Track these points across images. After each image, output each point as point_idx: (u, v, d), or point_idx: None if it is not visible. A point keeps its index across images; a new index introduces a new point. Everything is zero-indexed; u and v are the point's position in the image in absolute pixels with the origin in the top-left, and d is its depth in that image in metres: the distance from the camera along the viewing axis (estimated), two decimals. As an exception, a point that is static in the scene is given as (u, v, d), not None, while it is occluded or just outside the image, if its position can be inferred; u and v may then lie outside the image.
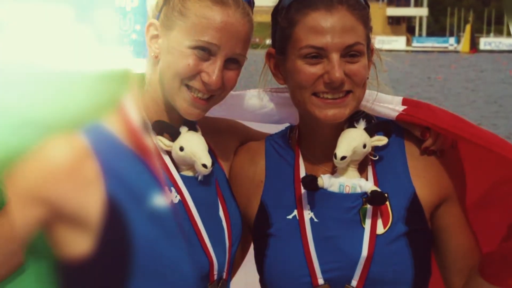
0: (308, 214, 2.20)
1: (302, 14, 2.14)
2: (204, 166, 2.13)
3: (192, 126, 2.19)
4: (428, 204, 2.23)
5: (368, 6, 2.21)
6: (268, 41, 2.31)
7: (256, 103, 2.39)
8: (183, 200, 2.12)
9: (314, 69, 2.13)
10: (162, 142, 2.16)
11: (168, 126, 2.16)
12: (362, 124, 2.21)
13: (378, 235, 2.16)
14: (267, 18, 2.28)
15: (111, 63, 2.18)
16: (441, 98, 22.19)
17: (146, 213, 2.02)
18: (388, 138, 2.23)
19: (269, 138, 2.38)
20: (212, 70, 2.06)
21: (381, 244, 2.15)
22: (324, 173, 2.22)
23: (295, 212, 2.22)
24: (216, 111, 2.27)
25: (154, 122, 2.16)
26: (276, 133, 2.39)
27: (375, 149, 2.23)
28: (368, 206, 2.17)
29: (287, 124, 2.40)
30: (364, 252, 2.13)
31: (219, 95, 2.13)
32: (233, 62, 2.11)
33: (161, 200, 2.05)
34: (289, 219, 2.22)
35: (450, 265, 2.30)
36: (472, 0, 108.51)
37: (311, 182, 2.18)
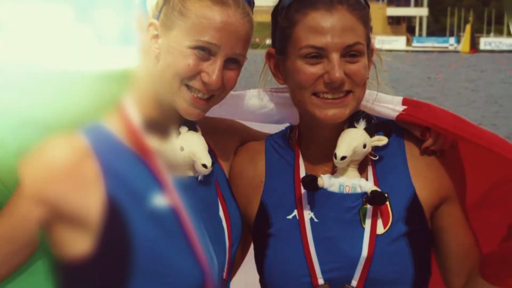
0: (308, 214, 2.20)
1: (302, 14, 2.14)
2: (204, 166, 2.13)
3: (192, 126, 2.19)
4: (428, 204, 2.23)
5: (368, 6, 2.21)
6: (268, 41, 2.31)
7: (256, 103, 2.39)
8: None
9: (314, 69, 2.13)
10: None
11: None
12: (362, 124, 2.21)
13: (378, 235, 2.16)
14: (267, 18, 2.28)
15: (111, 63, 2.18)
16: (441, 98, 22.18)
17: (146, 213, 2.02)
18: (388, 138, 2.23)
19: (269, 138, 2.38)
20: (212, 70, 2.06)
21: (381, 244, 2.15)
22: (324, 173, 2.22)
23: (295, 212, 2.22)
24: (216, 111, 2.27)
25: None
26: (276, 133, 2.39)
27: (375, 149, 2.23)
28: (368, 206, 2.17)
29: (287, 124, 2.40)
30: (364, 252, 2.13)
31: (219, 95, 2.13)
32: (233, 62, 2.10)
33: (161, 200, 2.05)
34: (289, 219, 2.22)
35: (450, 265, 2.30)
36: (472, 0, 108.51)
37: (311, 182, 2.18)
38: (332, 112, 2.14)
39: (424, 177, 2.23)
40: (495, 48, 76.28)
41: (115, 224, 1.99)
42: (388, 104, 2.28)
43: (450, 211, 2.26)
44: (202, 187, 2.16)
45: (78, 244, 1.99)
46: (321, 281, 2.16)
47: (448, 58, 55.33)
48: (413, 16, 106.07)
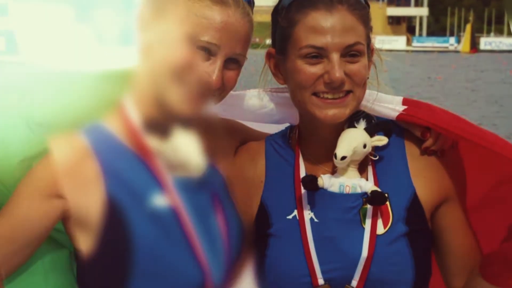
0: (308, 214, 2.20)
1: (302, 14, 2.14)
2: (199, 167, 2.11)
3: (187, 125, 2.16)
4: (429, 204, 2.23)
5: (368, 6, 2.21)
6: (268, 41, 2.31)
7: (256, 103, 2.39)
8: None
9: (314, 69, 2.13)
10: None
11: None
12: (362, 124, 2.20)
13: (378, 235, 2.16)
14: (267, 18, 2.28)
15: (111, 63, 2.18)
16: (441, 98, 22.17)
17: (146, 213, 2.02)
18: (388, 138, 2.23)
19: (269, 138, 2.38)
20: (212, 70, 2.05)
21: (381, 244, 2.15)
22: (324, 173, 2.22)
23: (295, 212, 2.22)
24: (216, 111, 2.26)
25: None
26: (276, 133, 2.39)
27: (375, 149, 2.23)
28: (368, 206, 2.17)
29: (287, 124, 2.39)
30: (364, 252, 2.13)
31: (219, 95, 2.12)
32: (233, 62, 2.10)
33: (161, 200, 2.05)
34: (289, 219, 2.22)
35: (450, 265, 2.30)
36: (473, 0, 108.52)
37: (311, 182, 2.18)
38: (332, 112, 2.14)
39: (424, 177, 2.23)
40: (495, 48, 76.25)
41: (115, 224, 1.99)
42: (388, 104, 2.28)
43: (450, 211, 2.26)
44: (197, 189, 2.13)
45: (82, 241, 2.00)
46: (321, 281, 2.16)
47: (448, 58, 55.31)
48: (413, 16, 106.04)
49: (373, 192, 2.16)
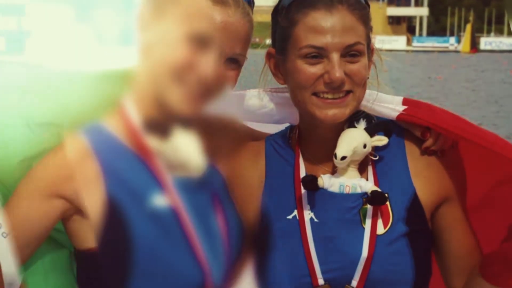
0: (308, 214, 2.20)
1: (302, 14, 2.14)
2: (198, 167, 2.11)
3: (186, 125, 2.16)
4: (429, 204, 2.23)
5: (368, 6, 2.21)
6: (268, 41, 2.31)
7: (256, 103, 2.39)
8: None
9: (314, 69, 2.12)
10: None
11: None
12: (362, 124, 2.20)
13: (378, 235, 2.16)
14: (267, 18, 2.28)
15: (111, 63, 2.18)
16: (441, 98, 22.17)
17: (146, 213, 2.02)
18: (389, 138, 2.23)
19: (269, 138, 2.37)
20: (208, 62, 2.03)
21: (381, 244, 2.15)
22: (324, 173, 2.22)
23: (295, 212, 2.22)
24: (216, 111, 2.26)
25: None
26: (276, 133, 2.39)
27: (375, 149, 2.23)
28: (368, 206, 2.17)
29: (287, 124, 2.39)
30: (364, 252, 2.13)
31: (218, 93, 2.09)
32: (233, 62, 2.09)
33: (161, 200, 2.05)
34: (289, 219, 2.22)
35: (450, 265, 2.30)
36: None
37: (311, 182, 2.18)
38: (332, 112, 2.14)
39: (424, 177, 2.23)
40: (496, 48, 76.23)
41: (115, 223, 1.99)
42: (388, 104, 2.28)
43: (451, 211, 2.26)
44: (196, 190, 2.13)
45: (82, 241, 2.01)
46: (321, 281, 2.16)
47: (448, 58, 55.31)
48: (413, 16, 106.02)
49: (373, 192, 2.16)
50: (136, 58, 2.08)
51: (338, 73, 2.10)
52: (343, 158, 2.15)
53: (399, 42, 77.40)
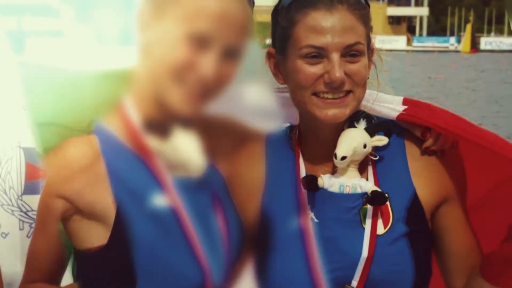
0: (308, 214, 2.19)
1: (302, 14, 2.14)
2: (198, 167, 2.11)
3: (186, 125, 2.16)
4: (429, 204, 2.23)
5: (369, 6, 2.21)
6: (268, 41, 2.30)
7: (256, 102, 2.38)
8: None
9: (314, 69, 2.12)
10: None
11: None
12: (362, 124, 2.20)
13: (378, 235, 2.16)
14: (267, 18, 2.28)
15: (111, 63, 2.18)
16: (441, 98, 22.17)
17: (146, 213, 2.02)
18: (389, 138, 2.23)
19: (269, 138, 2.37)
20: (208, 62, 2.01)
21: (381, 244, 2.15)
22: (324, 173, 2.22)
23: (296, 212, 2.21)
24: (216, 111, 2.26)
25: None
26: (276, 133, 2.38)
27: (376, 149, 2.23)
28: (369, 206, 2.17)
29: (287, 124, 2.39)
30: (365, 252, 2.13)
31: (217, 91, 2.08)
32: (232, 55, 2.04)
33: (161, 200, 2.05)
34: (289, 219, 2.22)
35: (450, 265, 2.30)
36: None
37: (311, 182, 2.18)
38: (332, 112, 2.14)
39: (424, 177, 2.23)
40: (496, 48, 76.19)
41: (119, 223, 2.01)
42: (388, 104, 2.28)
43: (451, 211, 2.26)
44: (196, 190, 2.13)
45: (91, 237, 2.02)
46: (322, 281, 2.15)
47: (448, 58, 55.29)
48: (413, 16, 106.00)
49: (373, 192, 2.16)
50: (136, 58, 2.07)
51: (338, 73, 2.10)
52: (343, 158, 2.15)
53: (399, 42, 77.36)
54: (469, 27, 70.32)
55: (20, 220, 2.62)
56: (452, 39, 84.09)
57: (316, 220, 2.19)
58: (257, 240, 2.28)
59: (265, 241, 2.24)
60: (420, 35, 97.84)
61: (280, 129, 2.40)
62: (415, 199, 2.21)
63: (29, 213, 2.60)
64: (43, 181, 2.11)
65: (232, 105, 2.36)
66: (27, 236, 2.58)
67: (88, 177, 2.03)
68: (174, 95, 2.03)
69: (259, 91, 2.36)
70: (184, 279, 2.04)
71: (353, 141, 2.17)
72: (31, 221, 2.58)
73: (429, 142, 2.24)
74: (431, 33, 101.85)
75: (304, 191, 2.21)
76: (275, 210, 2.25)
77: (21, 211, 2.62)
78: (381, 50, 2.29)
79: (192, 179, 2.11)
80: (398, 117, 2.25)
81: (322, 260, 2.16)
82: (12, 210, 2.62)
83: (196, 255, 2.06)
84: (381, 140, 2.22)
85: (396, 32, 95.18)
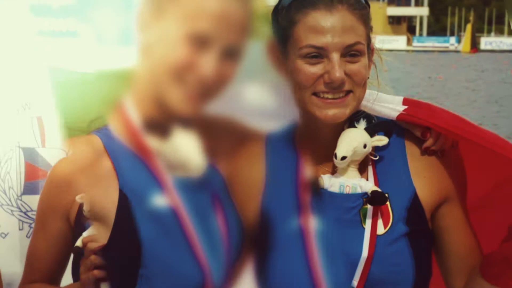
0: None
1: (302, 14, 2.14)
2: (198, 167, 2.11)
3: (186, 125, 2.16)
4: (429, 204, 2.22)
5: (369, 6, 2.21)
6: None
7: (256, 102, 2.38)
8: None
9: (314, 69, 2.12)
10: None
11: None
12: (362, 124, 2.20)
13: (378, 235, 2.15)
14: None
15: (111, 63, 2.18)
16: (441, 98, 22.18)
17: (146, 213, 2.02)
18: (389, 138, 2.22)
19: (269, 137, 2.37)
20: (208, 62, 2.01)
21: (381, 244, 2.15)
22: (324, 173, 2.22)
23: (296, 212, 2.21)
24: (216, 110, 2.25)
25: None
26: (276, 133, 2.38)
27: (376, 149, 2.23)
28: (369, 206, 2.17)
29: (287, 124, 2.38)
30: (365, 252, 2.13)
31: (217, 90, 2.08)
32: (232, 54, 2.03)
33: (161, 200, 2.05)
34: (289, 219, 2.21)
35: (450, 265, 2.29)
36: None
37: (311, 182, 2.17)
38: (332, 112, 2.14)
39: (424, 177, 2.23)
40: (496, 48, 76.22)
41: (119, 222, 2.02)
42: (388, 104, 2.28)
43: (451, 211, 2.26)
44: (197, 190, 2.13)
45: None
46: (323, 281, 2.15)
47: (448, 58, 55.32)
48: (413, 16, 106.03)
49: (373, 192, 2.16)
50: (136, 58, 2.07)
51: (338, 73, 2.10)
52: (343, 158, 2.15)
53: (399, 42, 77.39)
54: (469, 27, 70.38)
55: (19, 220, 2.62)
56: (452, 39, 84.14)
57: (316, 220, 2.19)
58: (257, 240, 2.28)
59: (265, 241, 2.24)
60: (420, 35, 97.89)
61: (280, 129, 2.40)
62: (415, 199, 2.20)
63: (29, 213, 2.60)
64: (42, 181, 2.10)
65: (232, 105, 2.36)
66: (26, 236, 2.58)
67: (88, 177, 2.04)
68: (174, 95, 2.03)
69: (259, 91, 2.36)
70: (184, 279, 2.04)
71: (353, 141, 2.17)
72: (31, 221, 2.58)
73: (429, 142, 2.24)
74: (431, 33, 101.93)
75: (304, 191, 2.21)
76: (275, 210, 2.25)
77: (21, 211, 2.62)
78: (381, 50, 2.29)
79: (192, 179, 2.11)
80: (398, 117, 2.25)
81: (322, 260, 2.16)
82: (12, 210, 2.62)
83: (196, 255, 2.06)
84: (381, 140, 2.21)
85: (396, 32, 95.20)
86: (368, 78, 2.21)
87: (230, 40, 2.02)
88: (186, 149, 2.11)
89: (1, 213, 2.61)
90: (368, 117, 2.22)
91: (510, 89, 26.35)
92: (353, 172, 2.20)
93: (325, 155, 2.23)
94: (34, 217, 2.39)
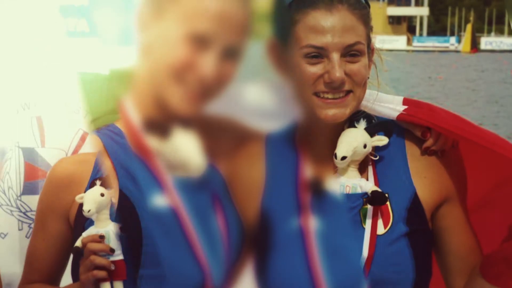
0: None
1: (302, 14, 2.14)
2: (198, 167, 2.11)
3: (186, 125, 2.16)
4: (429, 204, 2.22)
5: (369, 6, 2.21)
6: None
7: (256, 102, 2.38)
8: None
9: (315, 69, 2.12)
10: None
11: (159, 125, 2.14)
12: (362, 124, 2.20)
13: (378, 235, 2.15)
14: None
15: (111, 63, 2.18)
16: (442, 98, 22.19)
17: (146, 213, 2.02)
18: (389, 138, 2.22)
19: (269, 137, 2.37)
20: (207, 62, 2.01)
21: (381, 244, 2.14)
22: (324, 173, 2.21)
23: (296, 212, 2.21)
24: (215, 110, 2.25)
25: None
26: (276, 133, 2.38)
27: (376, 149, 2.23)
28: (369, 206, 2.17)
29: (287, 124, 2.38)
30: (365, 252, 2.13)
31: (217, 91, 2.08)
32: (231, 54, 2.04)
33: (161, 201, 2.05)
34: (290, 219, 2.21)
35: (451, 265, 2.29)
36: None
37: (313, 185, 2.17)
38: (333, 112, 2.14)
39: (424, 177, 2.23)
40: (496, 48, 76.26)
41: (119, 222, 2.02)
42: (388, 104, 2.27)
43: (451, 211, 2.26)
44: (197, 190, 2.13)
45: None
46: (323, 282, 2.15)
47: (449, 58, 55.33)
48: (413, 16, 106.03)
49: (373, 192, 2.16)
50: (136, 58, 2.07)
51: (338, 73, 2.09)
52: (343, 158, 2.15)
53: (399, 42, 77.41)
54: (469, 27, 70.37)
55: (19, 220, 2.61)
56: (452, 39, 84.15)
57: (316, 220, 2.19)
58: (257, 240, 2.28)
59: (265, 241, 2.24)
60: (420, 35, 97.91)
61: (280, 129, 2.39)
62: (415, 199, 2.20)
63: (28, 214, 2.60)
64: (42, 181, 2.11)
65: (232, 105, 2.36)
66: (26, 236, 2.58)
67: (88, 177, 2.04)
68: (174, 95, 2.02)
69: (259, 91, 2.36)
70: (184, 279, 2.04)
71: (353, 141, 2.17)
72: (30, 222, 2.57)
73: (429, 142, 2.24)
74: (431, 33, 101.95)
75: (304, 191, 2.21)
76: (275, 210, 2.25)
77: (20, 211, 2.61)
78: (381, 50, 2.29)
79: (192, 179, 2.11)
80: (398, 117, 2.25)
81: (322, 260, 2.16)
82: (11, 211, 2.61)
83: (196, 255, 2.05)
84: (381, 140, 2.21)
85: (396, 32, 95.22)
86: (368, 78, 2.20)
87: (230, 40, 2.02)
88: (186, 149, 2.11)
89: (0, 213, 2.60)
90: (368, 117, 2.21)
91: (510, 89, 26.36)
92: (353, 172, 2.20)
93: (325, 155, 2.23)
94: (33, 217, 2.38)
